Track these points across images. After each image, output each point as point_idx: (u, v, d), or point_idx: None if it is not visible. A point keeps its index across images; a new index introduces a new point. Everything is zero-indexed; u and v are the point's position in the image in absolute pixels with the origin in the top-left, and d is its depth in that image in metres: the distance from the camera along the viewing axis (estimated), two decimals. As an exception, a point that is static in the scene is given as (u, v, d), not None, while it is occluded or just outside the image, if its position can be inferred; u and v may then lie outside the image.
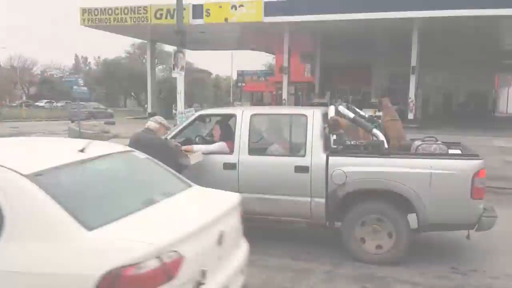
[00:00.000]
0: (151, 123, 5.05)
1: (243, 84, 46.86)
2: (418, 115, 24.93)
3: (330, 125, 5.23)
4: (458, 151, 5.51)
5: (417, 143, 5.56)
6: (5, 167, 2.46)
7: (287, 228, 5.90)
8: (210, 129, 6.34)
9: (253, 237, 5.69)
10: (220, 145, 5.42)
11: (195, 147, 5.53)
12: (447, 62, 33.33)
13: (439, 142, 5.46)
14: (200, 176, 5.14)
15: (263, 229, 6.05)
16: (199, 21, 21.78)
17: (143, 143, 4.81)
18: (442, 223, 4.78)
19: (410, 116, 22.17)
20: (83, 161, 2.84)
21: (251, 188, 5.19)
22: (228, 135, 5.52)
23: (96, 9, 23.32)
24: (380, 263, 4.81)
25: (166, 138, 5.18)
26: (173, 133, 5.63)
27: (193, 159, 5.10)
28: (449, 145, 5.78)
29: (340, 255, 5.08)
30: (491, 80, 39.39)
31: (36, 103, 59.54)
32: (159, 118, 5.18)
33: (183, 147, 5.61)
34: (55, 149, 3.26)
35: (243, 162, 5.22)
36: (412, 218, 4.84)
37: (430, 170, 4.65)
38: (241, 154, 5.25)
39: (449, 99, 38.75)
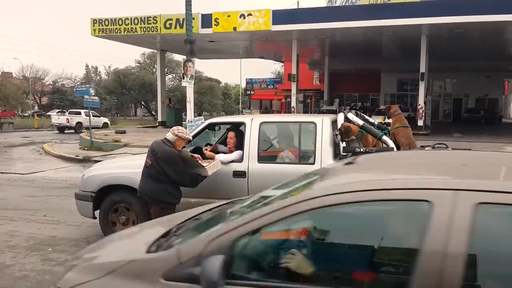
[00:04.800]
0: (169, 134, 4.98)
1: (252, 92, 47.05)
2: (428, 122, 24.81)
3: (342, 132, 5.24)
4: (468, 158, 5.47)
5: (427, 150, 5.53)
6: None
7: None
8: (224, 137, 6.37)
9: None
10: (240, 153, 5.42)
11: (216, 156, 5.52)
12: (455, 68, 33.24)
13: (449, 149, 5.43)
14: (210, 184, 5.18)
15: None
16: (208, 30, 22.00)
17: (158, 154, 4.80)
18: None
19: (420, 123, 22.11)
20: None
21: (261, 196, 5.21)
22: (242, 142, 5.52)
23: (106, 19, 23.65)
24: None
25: (180, 149, 5.03)
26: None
27: (210, 169, 5.02)
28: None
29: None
30: (500, 86, 39.19)
31: (48, 113, 60.29)
32: (177, 129, 4.98)
33: (207, 152, 5.62)
34: None
35: (252, 170, 5.24)
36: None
37: (441, 177, 4.62)
38: (250, 162, 5.27)
39: (459, 105, 38.54)
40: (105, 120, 37.03)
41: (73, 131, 30.49)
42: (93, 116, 35.27)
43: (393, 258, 2.00)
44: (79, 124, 31.37)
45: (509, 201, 1.78)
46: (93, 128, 30.67)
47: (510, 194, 1.80)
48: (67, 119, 31.62)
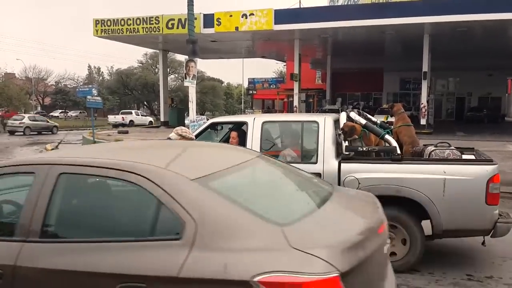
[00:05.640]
0: (172, 134, 4.98)
1: (254, 92, 47.04)
2: (430, 120, 24.75)
3: (346, 132, 5.23)
4: (472, 157, 5.46)
5: (430, 148, 5.52)
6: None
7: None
8: (226, 137, 6.36)
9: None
10: None
11: None
12: (458, 67, 33.12)
13: (452, 148, 5.41)
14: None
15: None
16: (210, 30, 22.01)
17: None
18: (456, 229, 4.72)
19: (422, 121, 22.07)
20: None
21: (264, 196, 5.19)
22: (245, 142, 5.50)
23: (109, 20, 23.69)
24: (394, 270, 4.76)
25: None
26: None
27: None
28: (463, 150, 5.73)
29: (353, 262, 5.04)
30: (503, 84, 39.03)
31: (51, 113, 60.40)
32: (180, 129, 4.97)
33: None
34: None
35: (255, 170, 5.22)
36: (426, 225, 4.80)
37: (444, 175, 4.61)
38: (253, 162, 5.25)
39: (461, 104, 38.41)
40: (151, 119, 43.05)
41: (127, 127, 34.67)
42: (142, 115, 43.08)
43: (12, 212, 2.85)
44: (131, 121, 38.55)
45: (81, 171, 2.62)
46: (140, 125, 34.78)
47: (81, 166, 2.62)
48: (122, 117, 38.72)
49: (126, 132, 23.94)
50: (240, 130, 5.76)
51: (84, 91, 18.80)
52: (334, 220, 2.54)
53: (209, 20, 21.89)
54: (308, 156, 5.29)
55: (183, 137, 4.93)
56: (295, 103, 24.83)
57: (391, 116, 7.18)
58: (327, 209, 2.65)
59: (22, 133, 30.14)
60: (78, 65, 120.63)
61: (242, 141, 5.50)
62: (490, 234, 4.72)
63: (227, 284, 1.99)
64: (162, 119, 30.14)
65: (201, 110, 56.03)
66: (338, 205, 2.84)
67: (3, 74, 58.15)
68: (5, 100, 47.36)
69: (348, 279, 2.02)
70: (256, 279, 1.94)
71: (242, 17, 21.46)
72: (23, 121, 30.96)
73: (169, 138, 4.95)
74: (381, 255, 2.51)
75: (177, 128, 5.05)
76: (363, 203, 3.08)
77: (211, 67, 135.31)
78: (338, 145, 5.20)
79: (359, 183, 4.80)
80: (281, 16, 21.14)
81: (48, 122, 33.62)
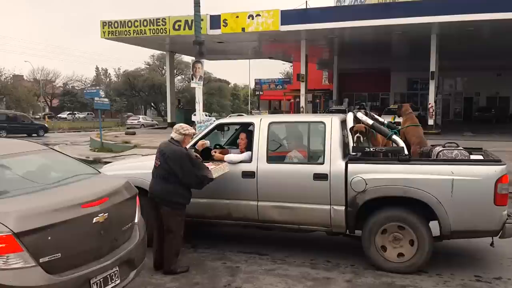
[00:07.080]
0: (175, 134, 4.98)
1: (261, 93, 47.04)
2: (438, 121, 24.58)
3: (364, 132, 5.24)
4: (480, 157, 5.41)
5: (438, 149, 5.49)
6: None
7: (307, 236, 5.88)
8: (233, 138, 6.36)
9: (272, 245, 5.72)
10: (249, 154, 5.41)
11: (226, 157, 5.52)
12: (466, 66, 32.86)
13: (460, 148, 5.38)
14: (219, 184, 5.19)
15: (282, 237, 6.04)
16: (216, 31, 22.03)
17: (167, 154, 4.81)
18: (464, 230, 4.70)
19: (430, 122, 21.91)
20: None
21: (270, 196, 5.20)
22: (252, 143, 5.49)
23: (116, 21, 23.80)
24: (402, 271, 4.75)
25: (187, 149, 5.03)
26: (193, 142, 5.65)
27: (216, 172, 5.00)
28: (471, 150, 5.69)
29: (360, 263, 5.03)
30: (511, 84, 38.62)
31: (59, 115, 60.78)
32: (181, 128, 4.97)
33: (216, 154, 5.62)
34: None
35: (261, 170, 5.23)
36: (434, 226, 4.77)
37: (452, 176, 4.58)
38: (259, 162, 5.26)
39: (469, 104, 38.13)
40: (213, 118, 51.36)
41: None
42: (206, 115, 46.75)
43: None
44: None
45: None
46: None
47: None
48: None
49: (133, 133, 24.04)
50: (249, 131, 5.75)
51: (92, 93, 18.90)
52: (46, 198, 3.20)
53: (215, 21, 21.92)
54: (315, 156, 5.29)
55: (186, 135, 4.95)
56: (302, 103, 24.78)
57: (399, 117, 7.16)
58: (59, 190, 3.41)
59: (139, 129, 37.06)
60: (86, 67, 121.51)
61: (249, 142, 5.50)
62: (499, 235, 4.69)
63: None
64: (169, 120, 30.19)
65: (207, 111, 56.17)
66: (72, 187, 3.54)
67: (11, 76, 58.65)
68: (14, 101, 47.77)
69: (26, 237, 2.78)
70: None
71: (248, 18, 21.47)
72: (139, 120, 42.76)
73: (173, 139, 4.95)
74: (88, 223, 3.19)
75: (177, 127, 5.02)
76: (99, 186, 3.66)
77: (218, 68, 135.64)
78: (345, 146, 5.19)
79: (366, 184, 4.79)
80: (288, 16, 21.11)
81: (152, 120, 45.52)
